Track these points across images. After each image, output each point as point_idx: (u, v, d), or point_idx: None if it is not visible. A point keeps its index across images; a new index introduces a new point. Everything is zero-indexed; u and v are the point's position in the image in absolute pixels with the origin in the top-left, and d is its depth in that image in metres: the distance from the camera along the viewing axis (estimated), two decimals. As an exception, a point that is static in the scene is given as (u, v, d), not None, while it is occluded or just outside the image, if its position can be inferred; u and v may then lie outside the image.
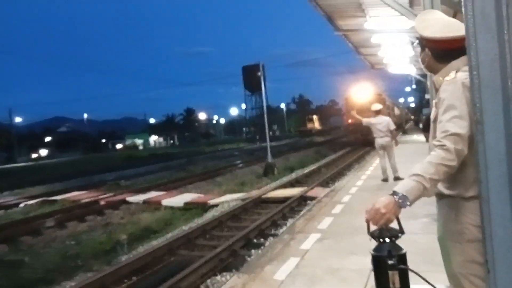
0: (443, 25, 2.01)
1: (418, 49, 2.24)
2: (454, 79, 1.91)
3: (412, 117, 70.01)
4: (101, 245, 7.97)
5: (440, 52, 2.03)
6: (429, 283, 1.76)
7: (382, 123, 10.22)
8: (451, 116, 1.83)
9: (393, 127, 10.32)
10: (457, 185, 1.93)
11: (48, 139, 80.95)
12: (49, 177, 24.18)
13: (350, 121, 28.90)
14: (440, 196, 2.03)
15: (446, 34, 1.98)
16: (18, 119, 68.75)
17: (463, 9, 1.64)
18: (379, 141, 10.30)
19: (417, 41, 2.19)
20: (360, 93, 28.43)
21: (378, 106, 10.73)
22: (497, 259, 1.59)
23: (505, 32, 1.52)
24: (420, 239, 4.71)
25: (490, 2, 1.55)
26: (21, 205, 13.83)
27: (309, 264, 4.65)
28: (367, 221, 1.81)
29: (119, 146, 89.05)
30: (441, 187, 1.98)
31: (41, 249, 8.19)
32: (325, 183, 13.24)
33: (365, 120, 10.62)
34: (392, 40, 14.30)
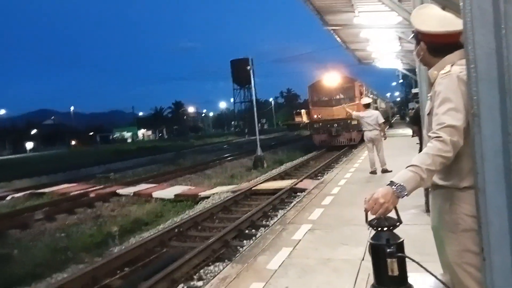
0: (439, 20, 2.05)
1: (411, 43, 2.29)
2: (449, 73, 1.95)
3: (396, 110, 70.51)
4: (92, 237, 7.94)
5: (435, 46, 2.07)
6: (426, 270, 1.81)
7: (370, 117, 10.40)
8: (446, 109, 1.87)
9: (381, 120, 10.48)
10: (452, 176, 1.97)
11: (33, 132, 79.53)
12: (36, 170, 23.88)
13: (316, 116, 23.26)
14: (435, 186, 2.07)
15: (442, 28, 2.02)
16: (1, 111, 67.44)
17: (461, 4, 1.68)
18: (368, 134, 10.47)
19: (412, 35, 2.23)
20: (328, 81, 23.10)
21: (367, 100, 11.12)
22: (493, 248, 1.64)
23: (502, 26, 1.57)
24: (409, 230, 4.80)
25: (488, -2, 1.60)
26: (8, 198, 13.65)
27: (301, 254, 4.71)
28: (366, 211, 1.86)
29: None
30: (435, 178, 2.02)
31: (30, 242, 8.11)
32: (314, 176, 13.34)
33: (355, 114, 10.90)
34: (380, 35, 14.38)
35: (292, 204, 8.61)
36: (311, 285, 3.84)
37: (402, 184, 1.80)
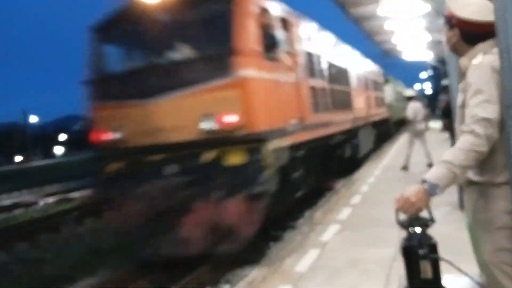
0: (480, 8, 1.92)
1: (439, 33, 2.17)
2: (481, 62, 1.85)
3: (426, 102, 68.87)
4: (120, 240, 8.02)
5: (471, 34, 1.96)
6: (461, 271, 1.73)
7: (411, 110, 10.28)
8: (479, 101, 1.78)
9: (422, 113, 10.34)
10: (486, 171, 1.88)
11: (62, 138, 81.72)
12: (66, 175, 24.46)
13: (102, 137, 5.99)
14: (469, 183, 1.97)
15: (482, 17, 1.90)
16: (33, 119, 69.22)
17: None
18: (417, 127, 10.30)
19: (445, 19, 2.09)
20: (142, 12, 5.90)
21: (411, 92, 11.27)
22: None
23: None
24: (442, 228, 4.61)
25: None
26: (40, 203, 14.07)
27: (329, 256, 4.62)
28: (397, 211, 1.79)
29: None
30: (469, 174, 1.93)
31: (62, 245, 8.29)
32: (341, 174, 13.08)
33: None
34: (406, 26, 14.07)
35: (319, 203, 8.48)
36: (340, 288, 3.75)
37: (434, 181, 1.73)
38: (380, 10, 12.01)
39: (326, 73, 9.09)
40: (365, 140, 12.94)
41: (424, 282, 1.70)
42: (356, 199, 7.42)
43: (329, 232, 5.49)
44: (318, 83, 8.26)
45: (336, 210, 6.74)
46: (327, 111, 8.62)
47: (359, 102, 12.13)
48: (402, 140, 18.55)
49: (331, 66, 9.61)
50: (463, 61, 1.99)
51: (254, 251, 6.39)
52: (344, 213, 6.48)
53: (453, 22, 2.01)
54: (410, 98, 10.91)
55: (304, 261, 4.50)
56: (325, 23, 10.63)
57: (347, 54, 12.00)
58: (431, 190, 1.72)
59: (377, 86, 16.87)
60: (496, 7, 1.60)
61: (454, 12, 1.99)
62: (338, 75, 10.33)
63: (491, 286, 1.90)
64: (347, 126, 10.36)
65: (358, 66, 13.23)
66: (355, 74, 12.52)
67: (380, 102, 16.92)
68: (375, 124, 14.93)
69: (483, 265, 1.95)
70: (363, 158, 12.86)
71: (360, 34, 16.37)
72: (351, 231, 5.49)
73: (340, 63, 10.71)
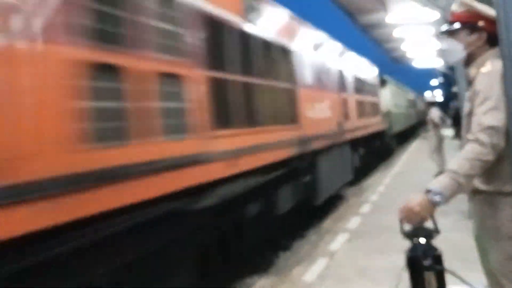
0: None
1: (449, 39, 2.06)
2: (490, 70, 1.84)
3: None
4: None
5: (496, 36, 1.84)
6: (467, 283, 1.71)
7: (436, 114, 10.24)
8: (487, 108, 1.77)
9: (437, 118, 10.28)
10: (494, 180, 1.86)
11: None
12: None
13: None
14: (475, 191, 1.95)
15: None
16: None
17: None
18: (443, 132, 10.26)
19: (460, 25, 2.00)
20: None
21: (433, 98, 11.21)
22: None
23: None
24: (452, 236, 4.58)
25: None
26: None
27: (338, 265, 4.58)
28: (401, 220, 1.78)
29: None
30: (476, 183, 1.91)
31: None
32: (350, 182, 12.97)
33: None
34: (416, 33, 14.03)
35: (328, 212, 8.41)
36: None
37: (439, 191, 1.72)
38: (389, 18, 12.00)
39: (201, 43, 3.75)
40: (334, 172, 8.05)
41: None
42: (365, 208, 7.36)
43: (338, 241, 5.44)
44: (151, 63, 3.07)
45: (345, 218, 6.70)
46: (198, 131, 3.50)
47: (321, 111, 7.47)
48: (412, 149, 18.36)
49: (224, 30, 4.26)
50: (471, 69, 1.96)
51: (262, 259, 6.37)
52: (354, 221, 6.43)
53: (479, 24, 1.94)
54: (431, 104, 10.87)
55: (313, 270, 4.47)
56: (334, 32, 10.56)
57: (296, 27, 6.77)
58: (435, 199, 1.70)
59: (365, 88, 12.35)
60: (497, 12, 1.59)
61: (485, 13, 1.91)
62: (259, 56, 5.05)
63: None
64: (282, 154, 5.37)
65: (323, 53, 8.20)
66: (315, 64, 7.41)
67: (370, 110, 12.66)
68: (359, 141, 10.66)
69: (491, 275, 1.93)
70: (333, 199, 8.48)
71: (369, 41, 16.35)
72: (360, 240, 5.44)
73: (265, 33, 5.35)
